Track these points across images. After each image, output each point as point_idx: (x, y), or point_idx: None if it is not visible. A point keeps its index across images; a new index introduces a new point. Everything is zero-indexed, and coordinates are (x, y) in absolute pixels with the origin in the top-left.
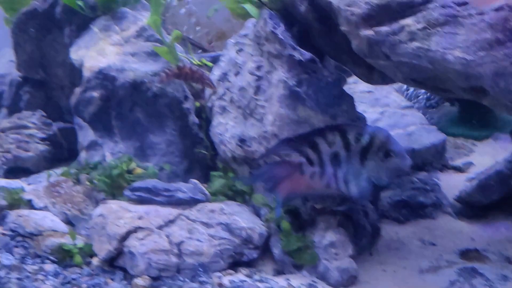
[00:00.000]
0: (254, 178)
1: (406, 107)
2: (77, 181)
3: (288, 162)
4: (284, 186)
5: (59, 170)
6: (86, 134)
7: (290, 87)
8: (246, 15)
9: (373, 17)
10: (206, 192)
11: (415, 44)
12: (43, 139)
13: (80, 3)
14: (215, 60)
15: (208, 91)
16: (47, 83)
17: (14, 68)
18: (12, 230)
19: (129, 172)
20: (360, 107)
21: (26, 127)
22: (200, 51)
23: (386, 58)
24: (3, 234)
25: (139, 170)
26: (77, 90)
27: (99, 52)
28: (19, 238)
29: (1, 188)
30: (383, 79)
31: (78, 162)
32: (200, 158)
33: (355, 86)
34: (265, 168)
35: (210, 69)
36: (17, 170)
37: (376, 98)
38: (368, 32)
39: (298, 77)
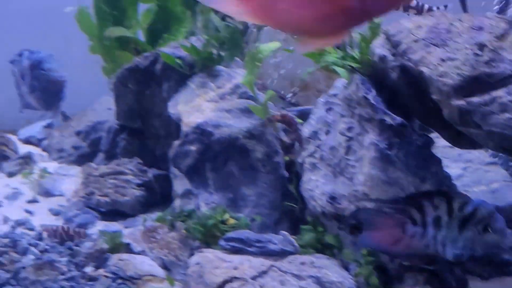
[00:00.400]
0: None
1: (490, 163)
2: (172, 228)
3: (393, 218)
4: (380, 235)
5: (153, 215)
6: (181, 183)
7: (381, 150)
8: (331, 70)
9: (464, 88)
10: (296, 244)
11: (507, 115)
12: (139, 185)
13: (178, 61)
14: (302, 113)
15: (297, 146)
16: (143, 132)
17: (112, 115)
18: (114, 273)
19: (223, 222)
20: (442, 162)
21: (123, 173)
22: (289, 98)
23: (477, 127)
24: (106, 276)
25: (232, 221)
26: (175, 143)
27: (196, 108)
28: (120, 281)
29: (103, 232)
30: (472, 144)
31: (173, 209)
32: (289, 210)
33: (438, 140)
34: (370, 214)
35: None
36: (114, 213)
37: (459, 153)
38: (459, 102)
39: (388, 141)
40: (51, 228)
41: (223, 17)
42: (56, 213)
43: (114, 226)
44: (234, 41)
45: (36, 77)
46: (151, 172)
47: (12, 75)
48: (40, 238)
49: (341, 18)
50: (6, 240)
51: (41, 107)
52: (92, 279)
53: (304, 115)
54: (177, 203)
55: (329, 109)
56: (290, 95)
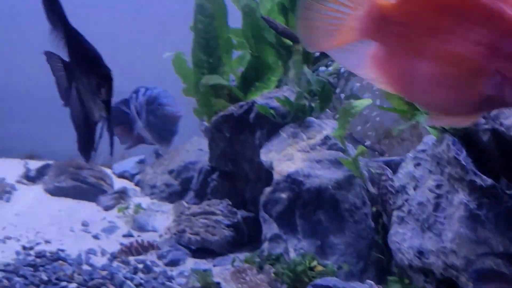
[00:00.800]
0: None
1: None
2: (261, 270)
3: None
4: None
5: (241, 255)
6: (270, 228)
7: (470, 210)
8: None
9: None
10: None
11: None
12: (228, 226)
13: (272, 111)
14: (387, 164)
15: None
16: (233, 174)
17: (202, 156)
18: None
19: (311, 268)
20: None
21: (214, 213)
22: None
23: None
24: None
25: (319, 268)
26: (267, 190)
27: (287, 157)
28: None
29: (195, 270)
30: None
31: (261, 252)
32: (375, 260)
33: None
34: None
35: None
36: (203, 251)
37: None
38: None
39: (478, 201)
40: (125, 247)
41: (315, 71)
42: None
43: (204, 264)
44: (325, 93)
45: (152, 112)
46: (240, 214)
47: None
48: (135, 272)
49: (478, 103)
50: (104, 272)
51: (156, 141)
52: None
53: (390, 166)
54: (265, 246)
55: (417, 164)
56: (377, 146)
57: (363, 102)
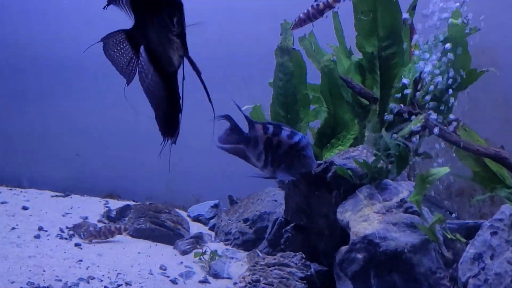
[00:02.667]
0: None
1: None
2: None
3: None
4: None
5: None
6: (344, 285)
7: None
8: (489, 180)
9: None
10: None
11: None
12: (301, 278)
13: (349, 172)
14: (460, 227)
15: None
16: (308, 228)
17: (276, 207)
18: None
19: None
20: None
21: (288, 265)
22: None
23: None
24: None
25: None
26: (343, 249)
27: (364, 218)
28: None
29: None
30: None
31: None
32: None
33: None
34: None
35: (462, 243)
36: None
37: None
38: None
39: None
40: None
41: (392, 135)
42: None
43: None
44: (402, 157)
45: (294, 157)
46: (314, 267)
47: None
48: None
49: None
50: None
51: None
52: None
53: (463, 230)
54: None
55: (494, 233)
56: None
57: (441, 171)
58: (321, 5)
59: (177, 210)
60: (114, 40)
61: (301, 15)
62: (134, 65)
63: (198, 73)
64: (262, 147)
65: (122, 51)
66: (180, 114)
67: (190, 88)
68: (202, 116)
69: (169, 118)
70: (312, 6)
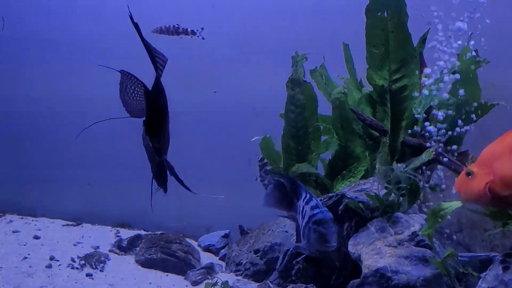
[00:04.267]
0: None
1: None
2: None
3: None
4: None
5: None
6: None
7: None
8: (500, 215)
9: None
10: None
11: None
12: None
13: (361, 205)
14: (472, 260)
15: None
16: (319, 260)
17: (287, 239)
18: None
19: None
20: None
21: None
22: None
23: None
24: None
25: None
26: (355, 282)
27: (375, 251)
28: None
29: None
30: None
31: None
32: None
33: None
34: None
35: (473, 277)
36: None
37: None
38: None
39: None
40: None
41: (404, 168)
42: None
43: None
44: (413, 190)
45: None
46: None
47: None
48: None
49: None
50: None
51: None
52: None
53: (475, 262)
54: None
55: (506, 268)
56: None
57: (453, 205)
58: (181, 29)
59: (187, 240)
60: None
61: (163, 27)
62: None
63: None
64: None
65: (135, 96)
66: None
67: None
68: (214, 144)
69: (158, 173)
70: (173, 25)
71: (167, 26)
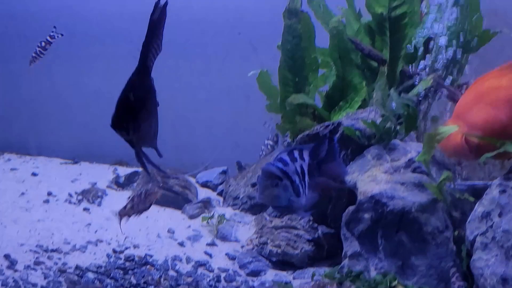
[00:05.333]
0: None
1: None
2: (340, 286)
3: None
4: None
5: (320, 270)
6: (351, 245)
7: None
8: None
9: None
10: None
11: None
12: (309, 240)
13: (357, 133)
14: (469, 188)
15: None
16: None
17: None
18: None
19: None
20: None
21: (295, 227)
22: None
23: None
24: None
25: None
26: (350, 209)
27: (371, 178)
28: None
29: (277, 282)
30: None
31: (341, 268)
32: (456, 284)
33: None
34: None
35: (470, 203)
36: (283, 263)
37: None
38: None
39: None
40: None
41: (400, 93)
42: (232, 257)
43: (284, 276)
44: (411, 117)
45: None
46: (321, 230)
47: None
48: (218, 280)
49: None
50: (189, 279)
51: None
52: None
53: (472, 191)
54: (345, 262)
55: (502, 191)
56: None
57: (449, 129)
58: (44, 43)
59: (186, 177)
60: None
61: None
62: None
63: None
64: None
65: None
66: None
67: None
68: (212, 79)
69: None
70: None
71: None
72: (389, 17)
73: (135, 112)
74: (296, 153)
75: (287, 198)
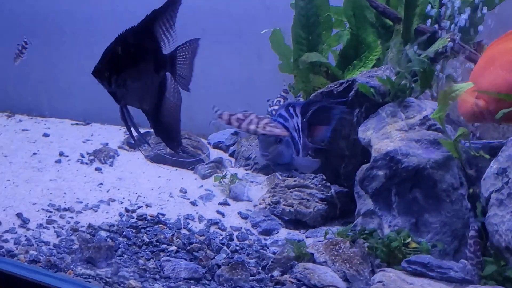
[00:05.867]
0: None
1: None
2: (353, 244)
3: None
4: None
5: (333, 228)
6: (365, 203)
7: None
8: None
9: None
10: (475, 274)
11: None
12: (321, 199)
13: (372, 90)
14: (484, 147)
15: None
16: (328, 150)
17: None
18: (298, 280)
19: (405, 245)
20: None
21: (308, 187)
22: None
23: None
24: (291, 282)
25: (414, 245)
26: (364, 166)
27: (386, 136)
28: None
29: (290, 240)
30: None
31: (354, 226)
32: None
33: None
34: None
35: (485, 161)
36: (296, 222)
37: None
38: None
39: None
40: None
41: (416, 51)
42: (244, 216)
43: (296, 235)
44: (426, 74)
45: None
46: (334, 188)
47: None
48: (231, 238)
49: None
50: (202, 238)
51: None
52: (279, 283)
53: (487, 149)
54: (358, 220)
55: None
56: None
57: (464, 86)
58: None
59: (198, 138)
60: None
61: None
62: None
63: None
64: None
65: None
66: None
67: None
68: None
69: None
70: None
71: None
72: None
73: (119, 65)
74: (291, 109)
75: (290, 156)
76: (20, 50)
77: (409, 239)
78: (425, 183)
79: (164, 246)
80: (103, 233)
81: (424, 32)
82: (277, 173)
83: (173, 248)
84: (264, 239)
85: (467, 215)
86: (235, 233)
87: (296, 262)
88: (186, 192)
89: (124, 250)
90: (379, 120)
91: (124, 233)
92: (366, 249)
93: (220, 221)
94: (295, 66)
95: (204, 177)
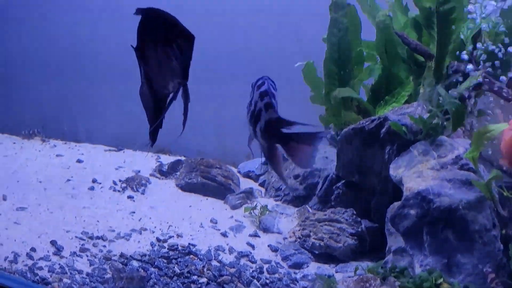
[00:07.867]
0: None
1: None
2: (384, 281)
3: None
4: None
5: (363, 264)
6: (395, 241)
7: None
8: None
9: None
10: None
11: None
12: (352, 234)
13: (404, 128)
14: None
15: None
16: (359, 185)
17: (328, 164)
18: None
19: (437, 285)
20: None
21: (339, 221)
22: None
23: None
24: None
25: (445, 285)
26: (395, 204)
27: (417, 174)
28: None
29: (320, 275)
30: None
31: (385, 263)
32: (503, 282)
33: None
34: None
35: None
36: (326, 256)
37: None
38: None
39: None
40: None
41: (448, 89)
42: (274, 249)
43: (326, 269)
44: (458, 113)
45: None
46: (364, 224)
47: None
48: (261, 271)
49: None
50: (232, 270)
51: None
52: None
53: None
54: (389, 258)
55: None
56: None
57: (500, 127)
58: None
59: (229, 167)
60: None
61: None
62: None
63: (186, 101)
64: None
65: None
66: (159, 129)
67: None
68: (256, 69)
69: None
70: None
71: None
72: (437, 12)
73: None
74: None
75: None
76: None
77: (441, 280)
78: (458, 223)
79: (195, 277)
80: (135, 263)
81: (458, 71)
82: (307, 206)
83: (204, 280)
84: (294, 272)
85: (500, 256)
86: (265, 266)
87: None
88: (216, 223)
89: (155, 280)
90: (410, 158)
91: (155, 263)
92: (397, 287)
93: (251, 253)
94: (327, 100)
95: (234, 207)
